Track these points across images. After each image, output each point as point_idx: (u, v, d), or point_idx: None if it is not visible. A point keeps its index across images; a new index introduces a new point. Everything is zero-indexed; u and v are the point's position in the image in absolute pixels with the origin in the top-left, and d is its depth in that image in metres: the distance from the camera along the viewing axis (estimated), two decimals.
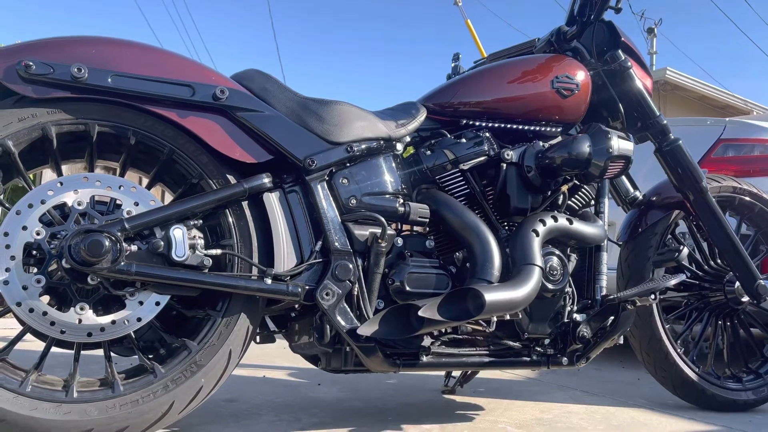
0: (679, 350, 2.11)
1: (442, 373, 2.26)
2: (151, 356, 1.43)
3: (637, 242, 2.14)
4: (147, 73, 1.39)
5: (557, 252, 1.72)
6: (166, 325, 1.49)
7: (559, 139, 1.90)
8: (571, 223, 1.73)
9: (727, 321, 2.23)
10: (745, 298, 2.13)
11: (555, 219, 1.71)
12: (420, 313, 1.40)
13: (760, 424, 1.95)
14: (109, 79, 1.35)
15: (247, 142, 1.47)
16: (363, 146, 1.59)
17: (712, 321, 2.23)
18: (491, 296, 1.45)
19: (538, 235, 1.65)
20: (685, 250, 1.80)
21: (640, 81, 2.04)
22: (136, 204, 1.38)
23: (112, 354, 1.40)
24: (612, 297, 1.72)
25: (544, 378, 2.62)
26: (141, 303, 1.35)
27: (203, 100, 1.42)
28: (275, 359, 2.78)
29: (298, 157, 1.50)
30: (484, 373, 2.61)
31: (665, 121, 2.07)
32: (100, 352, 1.40)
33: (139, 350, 1.40)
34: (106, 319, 1.32)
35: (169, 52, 1.48)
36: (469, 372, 2.12)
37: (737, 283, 2.13)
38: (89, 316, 1.31)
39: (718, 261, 2.21)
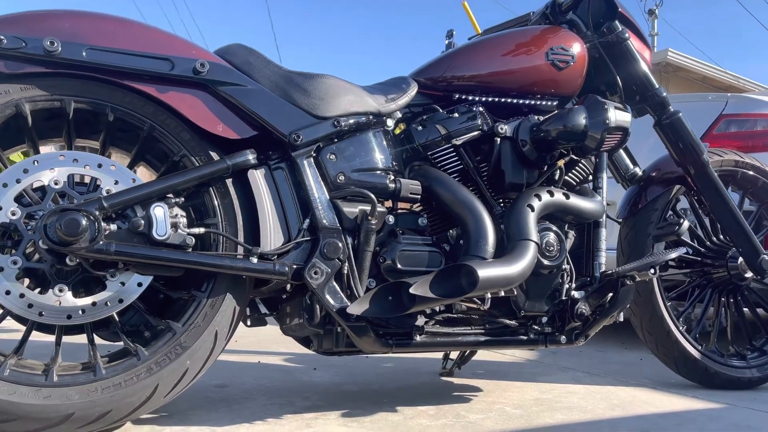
0: (681, 328, 2.06)
1: (440, 355, 2.23)
2: (135, 339, 1.39)
3: (636, 219, 2.09)
4: (124, 47, 1.34)
5: (554, 228, 1.68)
6: (151, 307, 1.45)
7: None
8: (567, 198, 1.68)
9: (730, 298, 2.18)
10: (749, 274, 2.08)
11: (551, 194, 1.66)
12: (411, 290, 1.36)
13: (765, 401, 1.90)
14: (84, 53, 1.30)
15: (229, 118, 1.42)
16: (351, 121, 1.54)
17: (715, 298, 2.18)
18: (484, 272, 1.41)
19: (533, 210, 1.60)
20: (686, 223, 1.75)
21: (639, 53, 1.99)
22: (116, 182, 1.34)
23: (101, 340, 1.37)
24: (610, 272, 1.67)
25: (545, 359, 2.58)
26: (122, 284, 1.31)
27: (183, 74, 1.38)
28: (271, 345, 2.75)
29: (283, 133, 1.45)
30: (482, 356, 2.58)
31: (665, 94, 2.02)
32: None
33: (123, 333, 1.36)
34: (86, 301, 1.28)
35: (147, 26, 1.43)
36: (467, 353, 2.08)
37: (740, 259, 2.08)
38: (68, 298, 1.26)
39: (721, 237, 2.16)
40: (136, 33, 1.38)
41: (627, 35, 1.94)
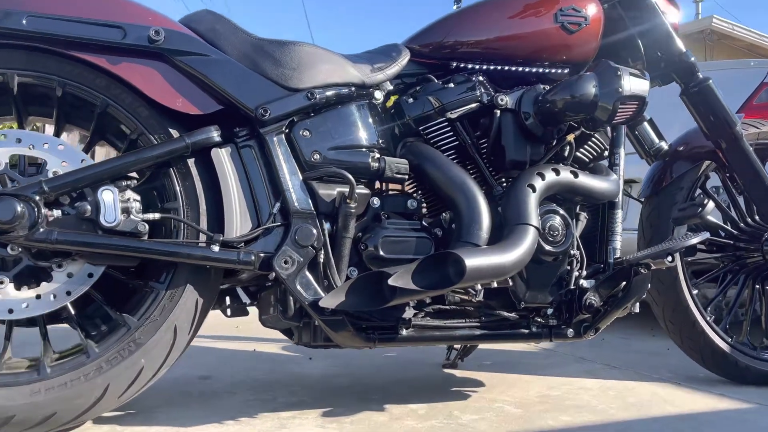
0: (708, 318, 1.87)
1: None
2: (94, 333, 1.28)
3: (660, 198, 1.90)
4: (69, 13, 1.22)
5: (560, 211, 1.51)
6: (117, 297, 1.34)
7: None
8: (576, 176, 1.51)
9: (765, 284, 1.98)
10: None
11: (556, 172, 1.49)
12: (390, 281, 1.22)
13: None
14: (24, 21, 1.18)
15: (191, 91, 1.29)
16: (329, 93, 1.39)
17: (749, 285, 1.98)
18: (473, 261, 1.25)
19: (534, 190, 1.43)
20: (711, 205, 1.56)
21: (664, 13, 1.78)
22: (65, 163, 1.22)
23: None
24: (621, 260, 1.50)
25: (561, 348, 2.41)
26: (70, 275, 1.20)
27: (136, 42, 1.24)
28: (270, 331, 2.64)
29: (249, 107, 1.31)
30: (491, 345, 2.42)
31: (693, 59, 1.81)
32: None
33: (80, 327, 1.26)
34: (29, 294, 1.17)
35: None
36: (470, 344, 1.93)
37: None
38: (9, 291, 1.16)
39: (756, 218, 1.94)
40: None
41: None
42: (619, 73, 1.47)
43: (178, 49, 1.27)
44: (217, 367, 1.90)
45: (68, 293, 1.20)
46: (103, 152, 3.57)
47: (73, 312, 1.25)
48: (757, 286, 1.98)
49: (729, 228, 1.95)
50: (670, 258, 1.44)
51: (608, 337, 2.69)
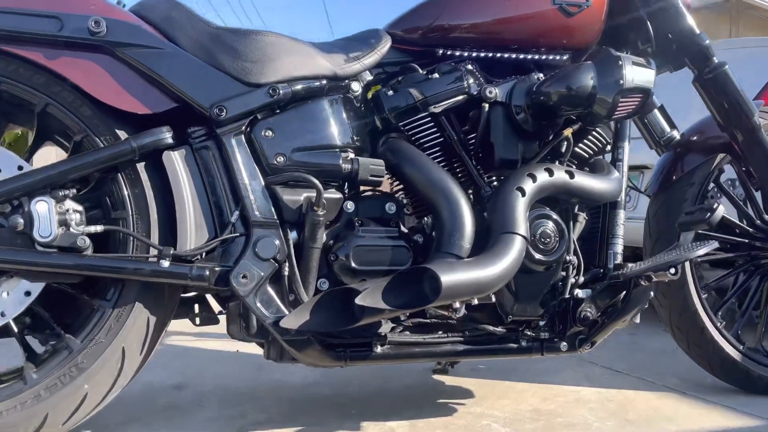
0: (718, 323, 1.74)
1: None
2: (36, 355, 1.18)
3: (668, 194, 1.75)
4: (0, 4, 1.09)
5: (553, 215, 1.37)
6: (69, 310, 1.24)
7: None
8: (572, 177, 1.37)
9: None
10: None
11: (550, 172, 1.35)
12: (357, 300, 1.10)
13: None
14: None
15: (138, 88, 1.17)
16: (296, 87, 1.26)
17: (765, 286, 1.83)
18: (450, 277, 1.13)
19: (524, 194, 1.30)
20: (720, 210, 1.41)
21: None
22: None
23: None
24: (619, 271, 1.36)
25: None
26: (7, 294, 1.09)
27: (74, 35, 1.12)
28: None
29: (203, 105, 1.18)
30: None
31: (707, 41, 1.64)
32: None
33: (23, 347, 1.16)
34: None
35: None
36: None
37: None
38: None
39: None
40: None
41: None
42: (620, 62, 1.33)
43: (123, 42, 1.15)
44: (193, 374, 1.80)
45: (2, 314, 1.09)
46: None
47: (15, 330, 1.15)
48: None
49: (744, 225, 1.80)
50: (673, 270, 1.30)
51: (615, 332, 2.55)
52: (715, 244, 1.39)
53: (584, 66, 1.34)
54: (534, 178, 1.32)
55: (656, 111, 1.75)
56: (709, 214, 1.38)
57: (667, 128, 1.75)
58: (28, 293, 1.11)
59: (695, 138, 1.78)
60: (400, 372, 1.89)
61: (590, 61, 1.36)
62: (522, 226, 1.26)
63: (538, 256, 1.34)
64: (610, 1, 1.52)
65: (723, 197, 1.81)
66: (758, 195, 1.80)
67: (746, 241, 1.80)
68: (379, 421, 1.44)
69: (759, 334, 1.81)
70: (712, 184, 1.76)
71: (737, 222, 1.80)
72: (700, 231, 1.70)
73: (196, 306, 1.45)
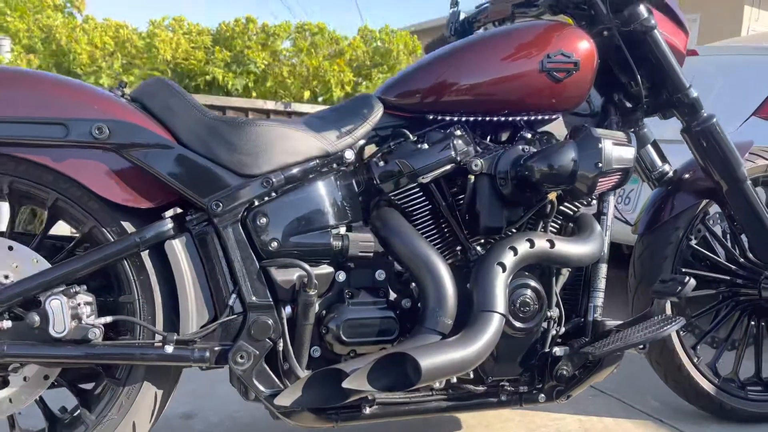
0: (695, 359, 1.83)
1: None
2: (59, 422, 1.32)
3: (654, 237, 1.82)
4: (11, 113, 1.17)
5: (532, 283, 1.46)
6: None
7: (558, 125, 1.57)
8: (552, 246, 1.44)
9: (762, 321, 1.91)
10: None
11: (531, 244, 1.42)
12: (345, 384, 1.21)
13: None
14: None
15: (141, 184, 1.25)
16: (290, 172, 1.33)
17: (744, 321, 1.92)
18: (428, 361, 1.23)
19: (504, 270, 1.38)
20: (692, 284, 1.48)
21: (668, 43, 1.64)
22: (16, 266, 1.21)
23: None
24: (585, 351, 1.45)
25: None
26: (26, 379, 1.22)
27: (80, 139, 1.19)
28: None
29: (202, 201, 1.26)
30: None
31: (695, 95, 1.67)
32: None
33: (48, 420, 1.29)
34: None
35: (41, 78, 1.24)
36: None
37: None
38: None
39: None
40: (25, 92, 1.20)
41: (653, 23, 1.59)
42: (600, 145, 1.38)
43: (125, 143, 1.22)
44: (202, 402, 1.91)
45: (26, 397, 1.22)
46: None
47: (40, 403, 1.28)
48: (753, 323, 1.91)
49: (726, 263, 1.87)
50: (641, 347, 1.39)
51: None
52: (683, 321, 1.47)
53: (566, 146, 1.39)
54: (516, 252, 1.40)
55: (649, 146, 1.80)
56: (680, 288, 1.45)
57: (659, 163, 1.81)
58: (46, 377, 1.23)
59: (686, 177, 1.83)
60: None
61: (572, 141, 1.41)
62: (500, 305, 1.35)
63: (518, 324, 1.43)
64: (602, 47, 1.56)
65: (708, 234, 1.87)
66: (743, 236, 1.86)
67: (728, 278, 1.87)
68: None
69: (735, 364, 1.90)
70: (699, 224, 1.82)
71: (720, 260, 1.87)
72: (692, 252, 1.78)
73: None
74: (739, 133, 2.60)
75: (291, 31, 4.15)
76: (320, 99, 4.46)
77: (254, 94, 4.14)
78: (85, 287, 1.23)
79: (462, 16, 1.98)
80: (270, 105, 4.15)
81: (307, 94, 4.29)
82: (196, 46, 3.97)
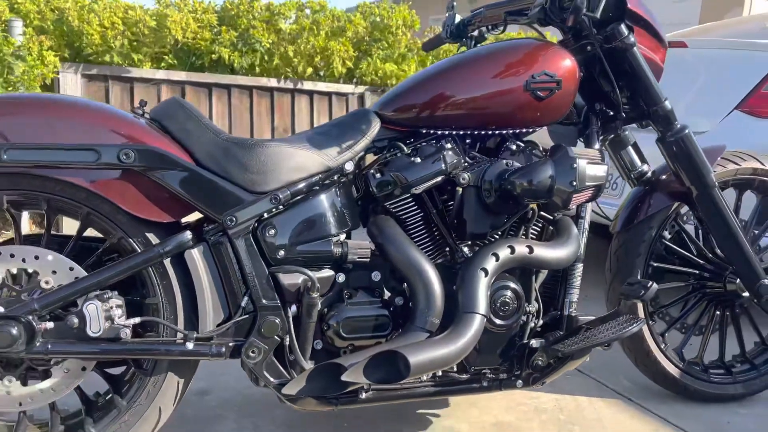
0: (662, 345, 2.02)
1: None
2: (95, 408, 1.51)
3: (629, 235, 1.98)
4: (49, 140, 1.32)
5: (512, 285, 1.63)
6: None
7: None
8: (531, 251, 1.60)
9: (726, 311, 2.09)
10: (746, 294, 1.98)
11: (512, 250, 1.58)
12: (344, 377, 1.39)
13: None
14: (5, 155, 1.29)
15: (163, 201, 1.41)
16: (296, 188, 1.49)
17: (710, 310, 2.10)
18: (417, 358, 1.41)
19: (487, 274, 1.55)
20: (654, 289, 1.64)
21: (647, 58, 1.77)
22: (54, 272, 1.38)
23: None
24: (556, 348, 1.62)
25: None
26: (67, 370, 1.40)
27: (109, 162, 1.35)
28: None
29: (218, 217, 1.43)
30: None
31: (670, 108, 1.81)
32: None
33: (85, 404, 1.48)
34: (33, 389, 1.38)
35: (72, 106, 1.39)
36: None
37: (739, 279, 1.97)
38: (16, 388, 1.37)
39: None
40: (58, 122, 1.35)
41: (633, 40, 1.72)
42: (575, 164, 1.53)
43: (148, 166, 1.37)
44: (218, 378, 2.09)
45: (66, 386, 1.40)
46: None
47: (77, 389, 1.47)
48: (718, 312, 2.09)
49: (696, 259, 2.03)
50: (607, 345, 1.57)
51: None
52: (643, 323, 1.65)
53: (545, 164, 1.54)
54: (497, 257, 1.56)
55: (630, 147, 1.95)
56: (644, 291, 1.62)
57: (639, 163, 1.96)
58: (84, 368, 1.41)
59: (662, 179, 1.97)
60: None
61: (550, 159, 1.56)
62: (482, 306, 1.51)
63: (498, 321, 1.61)
64: (584, 61, 1.70)
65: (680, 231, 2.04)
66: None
67: (697, 272, 2.04)
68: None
69: (700, 350, 2.09)
70: (673, 223, 1.98)
71: (691, 256, 2.03)
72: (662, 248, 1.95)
73: None
74: (721, 127, 2.73)
75: (295, 10, 4.22)
76: (322, 74, 4.57)
77: (258, 70, 4.24)
78: (116, 292, 1.40)
79: (457, 19, 2.11)
80: (273, 83, 4.27)
81: (309, 70, 4.38)
82: (203, 26, 4.04)
